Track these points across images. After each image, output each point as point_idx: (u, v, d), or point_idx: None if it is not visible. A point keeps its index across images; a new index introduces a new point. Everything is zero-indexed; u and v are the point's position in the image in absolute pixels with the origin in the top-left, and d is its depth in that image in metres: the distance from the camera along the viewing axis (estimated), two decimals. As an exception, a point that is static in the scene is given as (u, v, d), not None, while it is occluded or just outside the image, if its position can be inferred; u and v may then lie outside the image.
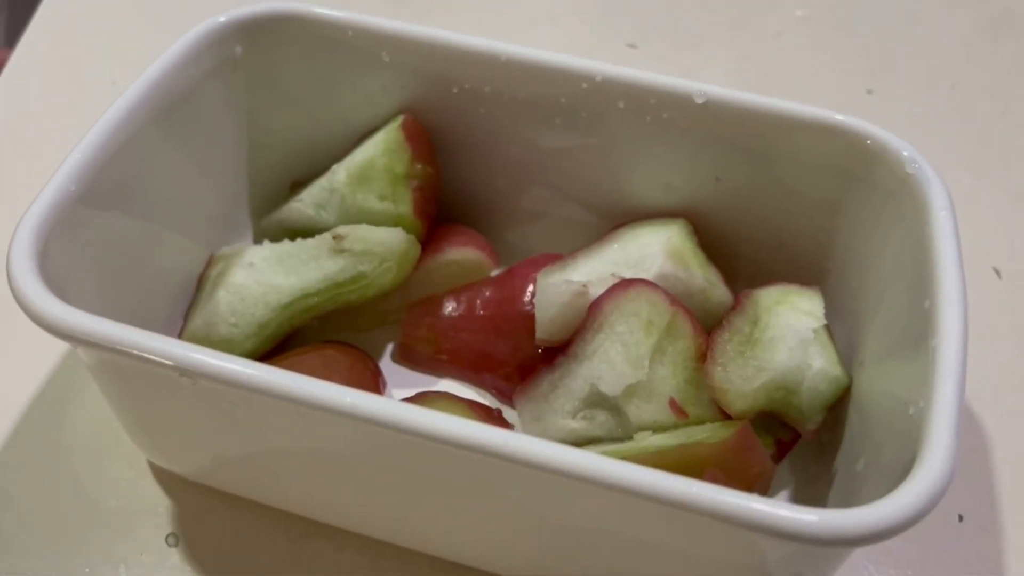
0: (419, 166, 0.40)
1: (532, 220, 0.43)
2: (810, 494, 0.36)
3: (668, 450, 0.31)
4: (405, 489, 0.30)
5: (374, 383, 0.37)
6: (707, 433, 0.32)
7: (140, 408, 0.33)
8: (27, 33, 0.56)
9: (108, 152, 0.33)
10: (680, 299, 0.36)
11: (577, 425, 0.35)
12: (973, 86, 0.57)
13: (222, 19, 0.37)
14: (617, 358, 0.34)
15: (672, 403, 0.34)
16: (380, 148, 0.39)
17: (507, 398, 0.38)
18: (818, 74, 0.57)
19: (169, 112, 0.36)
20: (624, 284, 0.35)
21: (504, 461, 0.25)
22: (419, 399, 0.35)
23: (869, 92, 0.56)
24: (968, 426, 0.40)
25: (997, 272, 0.46)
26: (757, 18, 0.61)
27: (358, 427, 0.27)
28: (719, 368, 0.34)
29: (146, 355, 0.27)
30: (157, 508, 0.36)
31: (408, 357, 0.40)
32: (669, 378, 0.34)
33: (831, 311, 0.37)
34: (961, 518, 0.37)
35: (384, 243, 0.37)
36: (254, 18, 0.38)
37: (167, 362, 0.27)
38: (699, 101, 0.36)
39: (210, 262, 0.40)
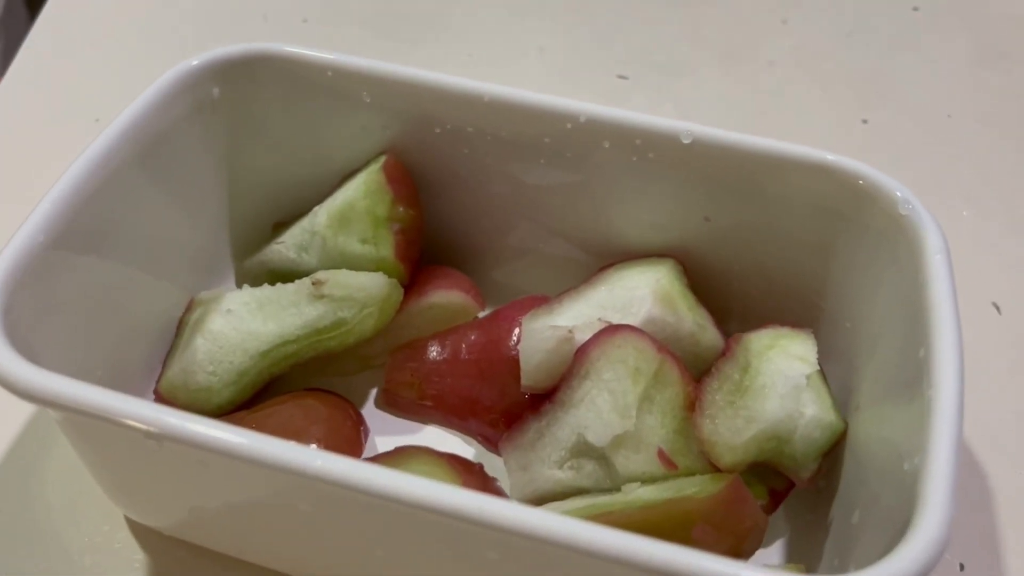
0: (401, 208, 0.39)
1: (518, 259, 0.42)
2: (806, 545, 0.35)
3: (656, 504, 0.30)
4: (381, 547, 0.29)
5: (355, 432, 0.36)
6: (696, 487, 0.31)
7: (111, 464, 0.32)
8: (11, 70, 0.55)
9: (81, 198, 0.33)
10: (669, 343, 0.35)
11: (564, 475, 0.34)
12: (970, 115, 0.56)
13: (195, 62, 0.36)
14: (604, 406, 0.33)
15: (661, 454, 0.33)
16: (361, 190, 0.38)
17: (493, 445, 0.37)
18: (812, 104, 0.56)
19: (146, 155, 0.36)
20: (610, 330, 0.34)
21: (477, 527, 0.24)
22: (397, 454, 0.34)
23: (864, 122, 0.55)
24: (968, 469, 0.39)
25: (996, 307, 0.45)
26: (750, 48, 0.60)
27: (330, 489, 0.26)
28: (707, 420, 0.33)
29: (109, 416, 0.26)
30: (133, 563, 0.35)
31: (391, 403, 0.39)
32: (657, 428, 0.33)
33: (826, 352, 0.36)
34: (963, 567, 0.36)
35: (365, 289, 0.36)
36: (229, 60, 0.37)
37: (132, 424, 0.26)
38: (686, 141, 0.36)
39: (190, 306, 0.39)
